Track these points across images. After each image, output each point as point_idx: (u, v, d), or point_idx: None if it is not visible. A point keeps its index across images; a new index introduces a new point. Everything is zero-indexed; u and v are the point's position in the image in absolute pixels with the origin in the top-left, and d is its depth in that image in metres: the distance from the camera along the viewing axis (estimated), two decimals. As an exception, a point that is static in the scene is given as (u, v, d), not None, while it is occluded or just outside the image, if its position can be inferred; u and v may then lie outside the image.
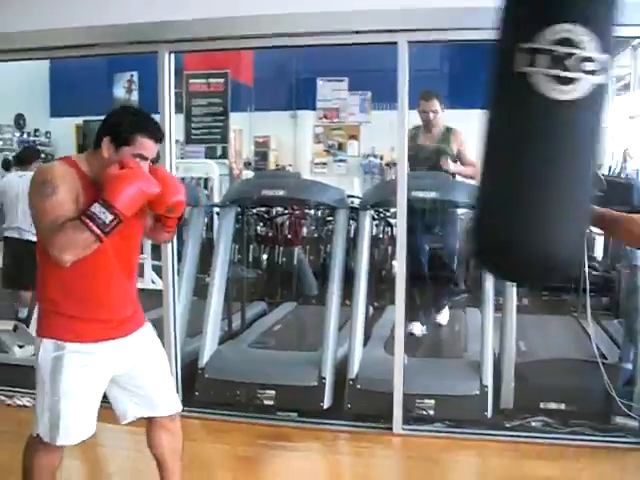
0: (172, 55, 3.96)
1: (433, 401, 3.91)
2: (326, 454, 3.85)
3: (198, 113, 7.63)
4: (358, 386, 4.04)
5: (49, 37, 3.93)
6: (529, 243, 1.90)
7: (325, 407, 4.05)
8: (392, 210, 6.13)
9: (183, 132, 7.25)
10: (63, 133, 11.71)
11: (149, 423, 2.67)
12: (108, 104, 11.50)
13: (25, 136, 11.06)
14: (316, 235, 7.80)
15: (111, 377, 2.54)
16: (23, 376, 4.66)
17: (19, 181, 5.89)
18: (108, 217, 2.20)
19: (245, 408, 4.06)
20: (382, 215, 6.83)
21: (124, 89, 11.48)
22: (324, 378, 4.08)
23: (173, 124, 4.07)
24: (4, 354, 4.96)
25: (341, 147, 12.39)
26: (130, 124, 2.37)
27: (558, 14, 1.82)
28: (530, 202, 1.88)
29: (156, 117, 3.96)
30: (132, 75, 11.32)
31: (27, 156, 6.38)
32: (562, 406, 3.97)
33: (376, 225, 7.33)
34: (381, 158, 11.83)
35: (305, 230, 7.82)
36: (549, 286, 6.48)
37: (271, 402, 4.10)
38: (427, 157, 4.91)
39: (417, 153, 4.85)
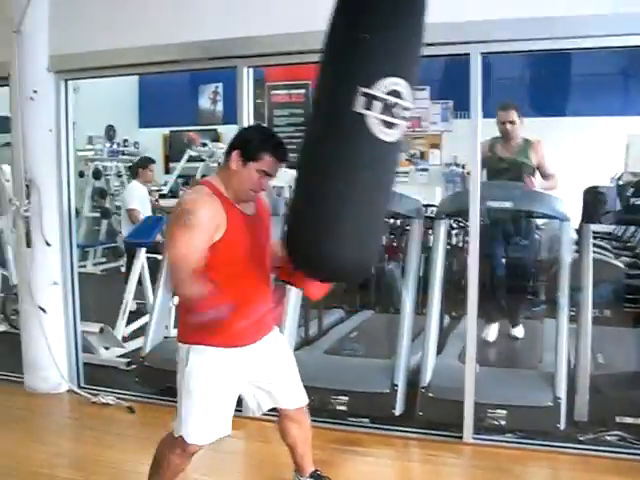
0: (250, 69, 4.11)
1: (505, 411, 3.90)
2: (396, 460, 3.88)
3: (280, 123, 7.80)
4: (430, 394, 4.07)
5: (135, 55, 4.18)
6: (347, 252, 2.38)
7: (397, 414, 4.09)
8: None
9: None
10: (151, 143, 12.10)
11: (279, 416, 2.99)
12: (193, 115, 11.86)
13: (115, 146, 11.48)
14: (394, 244, 7.81)
15: (247, 379, 2.78)
16: (108, 376, 4.94)
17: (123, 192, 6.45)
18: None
19: (318, 413, 4.12)
20: (462, 224, 6.80)
21: (209, 100, 11.79)
22: (396, 385, 4.13)
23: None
24: (91, 355, 5.20)
25: (423, 156, 12.35)
26: (260, 142, 2.60)
27: (393, 69, 2.22)
28: (345, 220, 2.32)
29: (235, 128, 4.15)
30: (217, 87, 11.62)
31: (135, 167, 6.89)
32: (639, 421, 3.89)
33: (456, 234, 7.32)
34: (463, 167, 11.71)
35: (384, 239, 7.84)
36: (633, 298, 6.36)
37: (344, 408, 4.18)
38: (507, 169, 4.90)
39: (497, 164, 4.87)
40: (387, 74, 2.21)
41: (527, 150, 4.94)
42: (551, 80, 8.88)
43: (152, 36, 4.04)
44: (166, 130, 12.03)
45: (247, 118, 4.15)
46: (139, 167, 6.90)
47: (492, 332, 5.17)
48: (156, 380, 4.49)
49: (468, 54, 3.66)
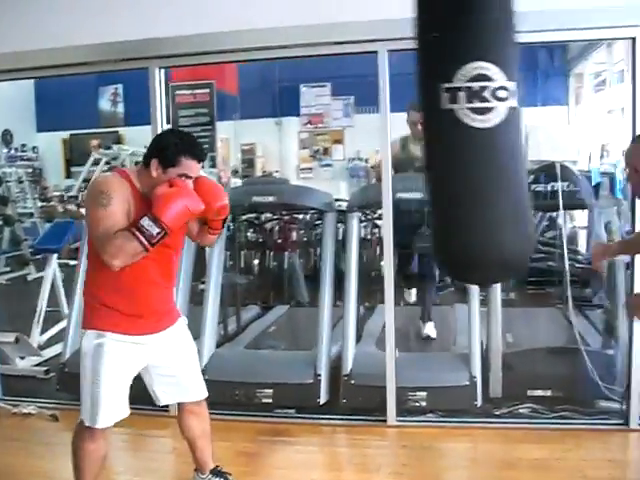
0: (162, 70, 4.13)
1: (425, 393, 4.07)
2: (324, 447, 3.99)
3: (185, 124, 7.71)
4: (352, 381, 4.19)
5: (40, 57, 4.10)
6: (482, 253, 2.21)
7: (321, 403, 4.20)
8: (379, 212, 6.30)
9: (171, 143, 7.36)
10: (50, 147, 11.82)
11: (179, 410, 3.03)
12: (94, 117, 11.65)
13: (12, 152, 11.16)
14: (305, 239, 7.93)
15: (145, 367, 2.83)
16: (27, 386, 4.84)
17: None
18: (155, 230, 2.47)
19: (245, 407, 4.20)
20: (369, 217, 6.96)
21: (109, 102, 11.62)
22: (319, 375, 4.23)
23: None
24: (7, 366, 5.07)
25: (326, 152, 12.51)
26: (176, 147, 2.63)
27: (469, 55, 2.11)
28: (474, 218, 2.20)
29: (147, 129, 4.16)
30: (117, 88, 11.45)
31: None
32: (548, 392, 4.14)
33: (364, 227, 7.48)
34: (366, 161, 11.94)
35: (294, 234, 7.94)
36: (535, 280, 6.69)
37: (269, 400, 4.24)
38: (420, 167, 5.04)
39: (412, 163, 5.01)
40: (464, 61, 2.13)
41: None
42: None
43: (61, 38, 3.97)
44: (66, 134, 11.77)
45: (160, 119, 4.18)
46: None
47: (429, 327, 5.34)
48: (78, 386, 4.42)
49: (376, 52, 3.80)
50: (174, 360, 2.92)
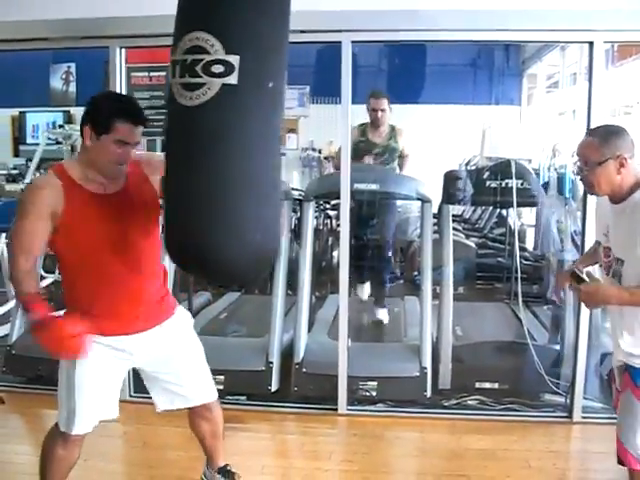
0: (123, 50, 4.08)
1: (375, 383, 4.13)
2: (276, 434, 4.03)
3: (141, 105, 7.64)
4: (304, 370, 4.22)
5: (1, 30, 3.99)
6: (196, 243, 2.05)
7: (273, 390, 4.22)
8: (332, 202, 6.34)
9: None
10: (-2, 124, 11.50)
11: (189, 410, 2.83)
12: (45, 95, 11.36)
13: (-43, 128, 10.86)
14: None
15: (133, 368, 2.71)
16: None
17: None
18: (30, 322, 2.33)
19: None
20: (322, 207, 6.98)
21: (62, 80, 11.36)
22: (271, 363, 4.24)
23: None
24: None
25: (280, 140, 12.44)
26: (109, 110, 2.34)
27: (187, 25, 1.93)
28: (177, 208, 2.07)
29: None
30: (69, 66, 11.19)
31: None
32: (496, 385, 4.24)
33: (316, 217, 7.49)
34: (320, 152, 11.93)
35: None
36: (484, 276, 6.80)
37: (220, 387, 4.20)
38: (379, 153, 5.13)
39: (371, 148, 5.08)
40: (184, 32, 1.93)
41: (395, 135, 5.18)
42: (409, 69, 9.24)
43: (20, 11, 3.87)
44: (15, 111, 11.46)
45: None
46: None
47: (365, 290, 5.42)
48: (26, 368, 4.37)
49: (340, 42, 3.81)
50: (172, 362, 2.69)
